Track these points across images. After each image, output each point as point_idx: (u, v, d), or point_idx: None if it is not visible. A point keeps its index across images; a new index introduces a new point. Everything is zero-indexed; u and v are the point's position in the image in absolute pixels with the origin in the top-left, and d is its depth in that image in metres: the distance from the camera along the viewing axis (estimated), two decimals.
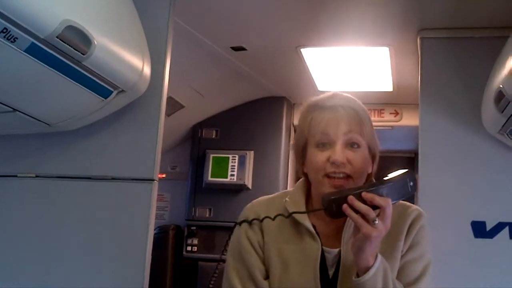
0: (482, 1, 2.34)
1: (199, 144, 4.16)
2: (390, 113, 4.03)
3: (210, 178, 3.99)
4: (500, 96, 1.92)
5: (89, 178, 2.27)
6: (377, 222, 1.38)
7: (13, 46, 1.58)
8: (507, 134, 2.14)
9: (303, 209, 1.62)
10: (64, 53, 1.71)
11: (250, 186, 3.97)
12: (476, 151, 2.43)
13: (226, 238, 1.67)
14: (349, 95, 1.66)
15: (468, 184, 2.43)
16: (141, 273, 2.12)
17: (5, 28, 1.51)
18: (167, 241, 4.11)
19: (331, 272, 1.56)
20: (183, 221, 4.15)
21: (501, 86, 1.89)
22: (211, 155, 4.03)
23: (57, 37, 1.63)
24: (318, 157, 1.54)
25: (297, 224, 1.61)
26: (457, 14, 2.46)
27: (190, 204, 4.12)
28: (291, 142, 4.09)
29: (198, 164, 4.12)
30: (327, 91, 3.80)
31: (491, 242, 2.35)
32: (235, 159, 3.96)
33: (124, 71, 1.99)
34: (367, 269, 1.42)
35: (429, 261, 1.58)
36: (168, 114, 3.64)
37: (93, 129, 2.24)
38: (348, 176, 1.52)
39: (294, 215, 1.59)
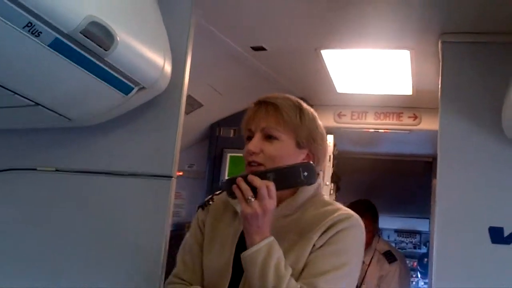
0: (504, 6, 2.32)
1: (216, 143, 4.16)
2: (409, 117, 4.01)
3: (227, 177, 3.97)
4: None
5: (108, 173, 2.28)
6: (251, 200, 1.52)
7: (37, 41, 1.59)
8: None
9: None
10: (87, 49, 1.73)
11: None
12: (495, 157, 2.42)
13: None
14: (288, 95, 1.79)
15: (486, 189, 2.41)
16: (157, 269, 2.13)
17: (29, 23, 1.53)
18: (183, 238, 4.11)
19: None
20: None
21: None
22: (229, 154, 4.03)
23: (80, 32, 1.65)
24: (245, 148, 1.71)
25: (233, 206, 1.76)
26: (479, 18, 2.45)
27: None
28: None
29: (215, 163, 4.12)
30: (346, 93, 3.83)
31: (509, 248, 2.33)
32: None
33: (145, 68, 2.01)
34: (252, 246, 1.54)
35: (344, 264, 1.61)
36: (186, 112, 3.64)
37: (113, 124, 2.26)
38: (260, 165, 1.66)
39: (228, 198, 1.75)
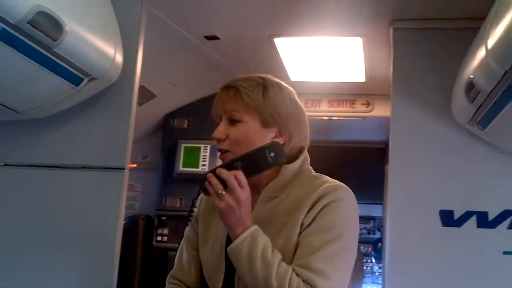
0: None
1: (171, 133, 4.13)
2: (362, 104, 4.05)
3: (181, 168, 3.97)
4: (470, 86, 1.94)
5: (59, 166, 2.25)
6: (223, 194, 1.47)
7: None
8: (476, 124, 2.17)
9: None
10: (35, 39, 1.69)
11: None
12: (446, 142, 2.46)
13: None
14: (253, 76, 1.67)
15: (437, 173, 2.46)
16: (111, 262, 2.12)
17: None
18: (137, 231, 4.09)
19: None
20: (154, 211, 4.14)
21: (471, 76, 1.91)
22: (183, 145, 4.01)
23: (28, 22, 1.61)
24: None
25: None
26: (430, 5, 2.48)
27: (160, 194, 4.09)
28: None
29: (169, 154, 4.09)
30: (300, 82, 3.83)
31: (459, 230, 2.38)
32: (206, 149, 3.95)
33: (95, 59, 1.97)
34: (235, 239, 1.49)
35: (335, 239, 1.52)
36: (139, 103, 3.60)
37: (63, 117, 2.22)
38: (228, 151, 1.61)
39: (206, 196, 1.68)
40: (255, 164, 1.54)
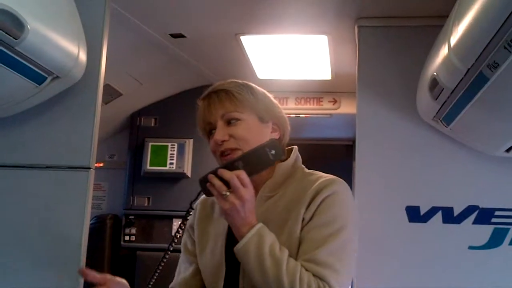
0: None
1: (137, 132, 4.10)
2: (329, 101, 4.07)
3: (148, 167, 3.94)
4: (434, 83, 1.96)
5: (23, 166, 2.21)
6: (227, 194, 1.49)
7: None
8: (440, 121, 2.19)
9: None
10: None
11: (189, 174, 3.93)
12: (411, 138, 2.49)
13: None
14: (234, 80, 1.74)
15: (403, 170, 2.48)
16: (77, 263, 2.09)
17: None
18: (104, 230, 4.06)
19: None
20: (121, 211, 4.10)
21: (435, 73, 1.94)
22: (150, 144, 3.98)
23: None
24: (211, 142, 1.67)
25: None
26: (394, 3, 2.50)
27: (128, 193, 4.06)
28: None
29: (136, 152, 4.06)
30: (267, 79, 3.83)
31: (425, 226, 2.41)
32: (174, 147, 3.93)
33: (58, 57, 1.95)
34: (241, 238, 1.50)
35: (339, 231, 1.55)
36: (105, 102, 3.58)
37: (27, 116, 2.19)
38: (235, 149, 1.62)
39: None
40: (257, 162, 1.56)
